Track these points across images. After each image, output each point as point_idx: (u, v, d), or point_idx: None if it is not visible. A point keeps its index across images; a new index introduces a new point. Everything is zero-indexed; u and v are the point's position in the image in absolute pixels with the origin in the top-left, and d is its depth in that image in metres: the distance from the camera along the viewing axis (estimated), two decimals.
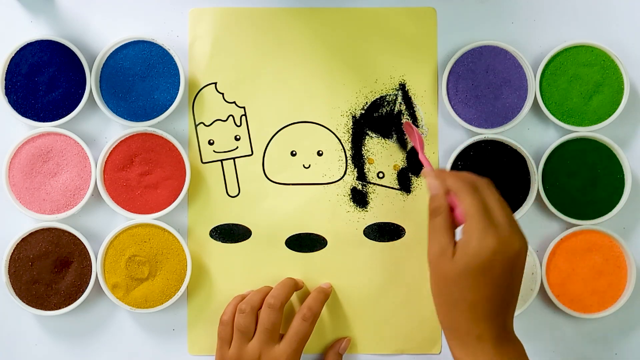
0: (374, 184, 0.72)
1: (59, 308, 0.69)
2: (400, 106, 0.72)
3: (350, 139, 0.72)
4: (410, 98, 0.72)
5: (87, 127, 0.72)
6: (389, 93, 0.72)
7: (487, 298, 0.55)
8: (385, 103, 0.72)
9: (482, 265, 0.55)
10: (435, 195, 0.59)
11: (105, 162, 0.70)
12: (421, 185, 0.72)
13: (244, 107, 0.72)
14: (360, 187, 0.72)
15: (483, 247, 0.55)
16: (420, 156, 0.67)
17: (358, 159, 0.72)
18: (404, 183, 0.72)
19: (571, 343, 0.72)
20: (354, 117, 0.72)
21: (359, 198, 0.72)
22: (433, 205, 0.59)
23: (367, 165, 0.72)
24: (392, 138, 0.72)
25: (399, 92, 0.72)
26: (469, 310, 0.56)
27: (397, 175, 0.72)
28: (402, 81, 0.72)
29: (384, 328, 0.72)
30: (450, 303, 0.56)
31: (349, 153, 0.72)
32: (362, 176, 0.72)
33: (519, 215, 0.70)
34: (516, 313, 0.69)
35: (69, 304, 0.69)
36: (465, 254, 0.55)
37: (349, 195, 0.72)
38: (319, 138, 0.72)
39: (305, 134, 0.72)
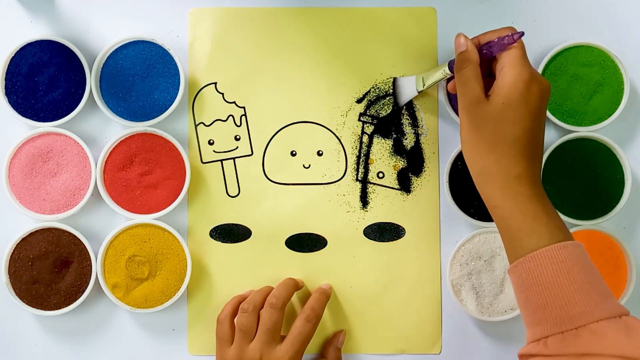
0: (374, 184, 0.72)
1: (59, 308, 0.69)
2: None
3: (350, 139, 0.72)
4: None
5: (87, 127, 0.72)
6: (389, 93, 0.72)
7: (526, 131, 0.59)
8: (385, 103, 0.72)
9: (520, 94, 0.58)
10: (463, 51, 0.62)
11: (105, 162, 0.70)
12: (421, 185, 0.72)
13: (244, 107, 0.72)
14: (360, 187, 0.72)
15: (522, 76, 0.59)
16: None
17: (358, 159, 0.72)
18: (404, 183, 0.72)
19: None
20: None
21: (359, 198, 0.72)
22: (461, 57, 0.62)
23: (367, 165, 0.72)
24: (392, 138, 0.72)
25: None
26: (511, 145, 0.59)
27: (397, 175, 0.72)
28: None
29: (384, 328, 0.72)
30: (492, 141, 0.59)
31: (349, 153, 0.72)
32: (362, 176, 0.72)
33: None
34: (515, 314, 0.70)
35: (69, 304, 0.69)
36: (504, 86, 0.59)
37: (349, 195, 0.72)
38: (319, 138, 0.72)
39: (305, 134, 0.72)
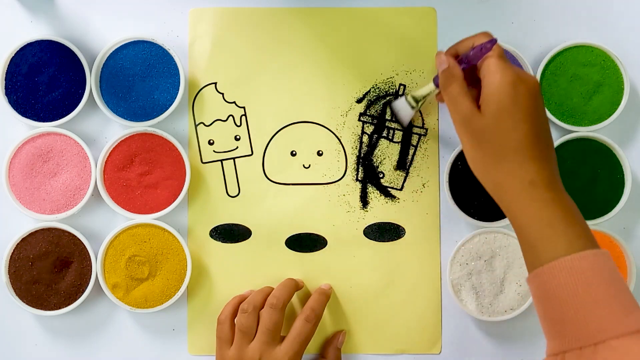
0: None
1: (59, 308, 0.69)
2: None
3: (350, 139, 0.72)
4: None
5: (87, 127, 0.72)
6: (389, 93, 0.72)
7: (528, 133, 0.57)
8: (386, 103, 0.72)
9: (509, 98, 0.57)
10: (445, 68, 0.61)
11: (105, 162, 0.70)
12: (421, 185, 0.72)
13: (244, 107, 0.72)
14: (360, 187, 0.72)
15: (505, 81, 0.57)
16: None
17: (358, 159, 0.72)
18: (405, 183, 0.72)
19: None
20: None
21: (359, 198, 0.72)
22: (444, 75, 0.61)
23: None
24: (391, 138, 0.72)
25: (399, 92, 0.72)
26: (518, 152, 0.57)
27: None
28: (402, 81, 0.72)
29: (384, 328, 0.72)
30: (497, 153, 0.57)
31: (349, 153, 0.72)
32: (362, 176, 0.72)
33: None
34: (515, 314, 0.70)
35: (69, 304, 0.69)
36: (492, 95, 0.57)
37: (349, 195, 0.72)
38: (319, 138, 0.72)
39: (305, 134, 0.72)
